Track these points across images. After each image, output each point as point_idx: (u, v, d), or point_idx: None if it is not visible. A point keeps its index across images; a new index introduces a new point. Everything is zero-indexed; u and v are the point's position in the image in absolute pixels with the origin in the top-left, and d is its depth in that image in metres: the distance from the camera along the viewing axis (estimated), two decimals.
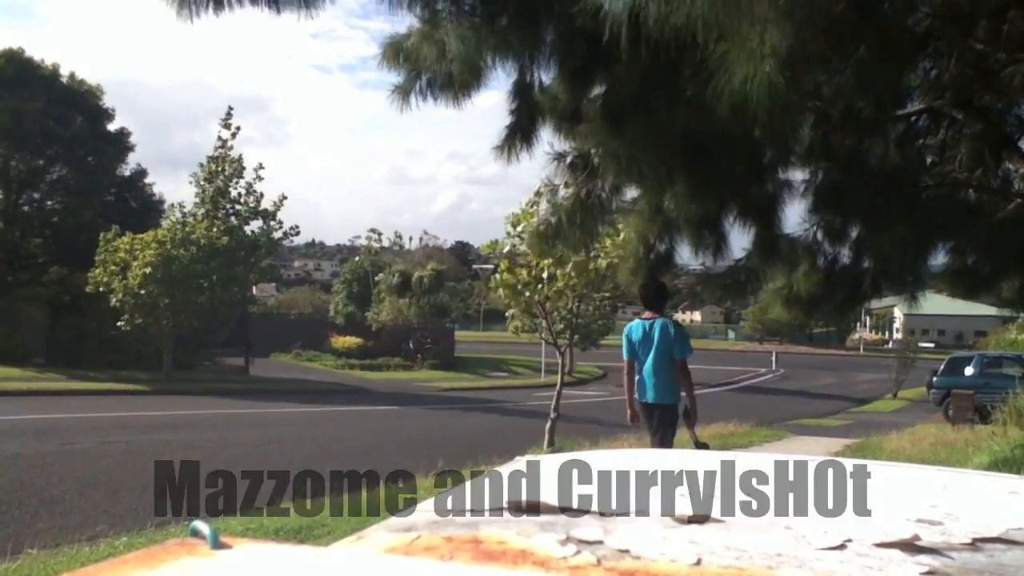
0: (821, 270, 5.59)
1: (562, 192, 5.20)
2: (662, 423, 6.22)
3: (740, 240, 5.51)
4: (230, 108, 22.12)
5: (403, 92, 4.39)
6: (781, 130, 4.20)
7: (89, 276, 20.63)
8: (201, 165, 22.11)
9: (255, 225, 22.34)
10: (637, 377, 6.27)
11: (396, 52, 4.28)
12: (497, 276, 11.49)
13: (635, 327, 6.27)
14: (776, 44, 2.49)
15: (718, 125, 3.36)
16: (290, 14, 3.90)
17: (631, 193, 5.15)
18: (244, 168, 21.95)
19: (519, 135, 4.81)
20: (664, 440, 6.15)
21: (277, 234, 22.66)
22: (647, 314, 6.28)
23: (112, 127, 27.15)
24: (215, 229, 21.02)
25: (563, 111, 4.72)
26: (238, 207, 22.05)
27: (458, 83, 4.19)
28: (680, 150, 4.23)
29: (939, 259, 5.53)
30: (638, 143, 4.17)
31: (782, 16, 2.47)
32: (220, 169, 21.78)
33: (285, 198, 22.54)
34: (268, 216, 22.28)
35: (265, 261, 23.17)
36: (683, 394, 6.24)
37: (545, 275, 10.75)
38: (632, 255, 5.85)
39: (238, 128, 21.87)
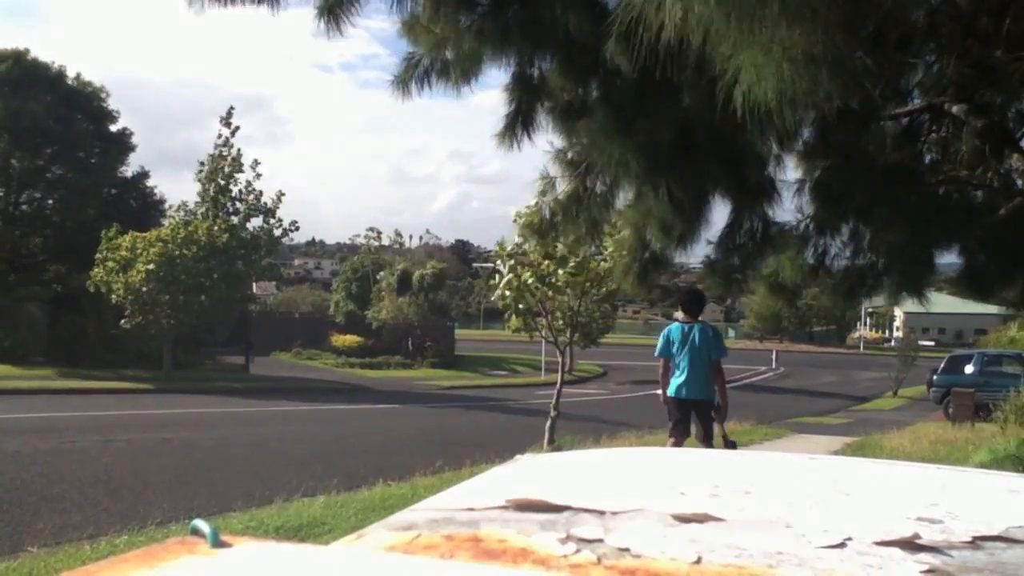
0: (812, 263, 5.61)
1: (559, 187, 5.20)
2: (702, 417, 6.82)
3: (713, 235, 5.52)
4: (231, 108, 22.16)
5: (402, 82, 4.49)
6: (786, 130, 4.21)
7: (90, 274, 20.65)
8: (202, 163, 22.13)
9: (255, 223, 22.38)
10: (676, 376, 6.81)
11: (411, 28, 4.39)
12: (495, 281, 11.54)
13: (675, 330, 6.89)
14: (791, 46, 2.48)
15: (716, 125, 3.37)
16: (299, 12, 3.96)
17: (629, 189, 5.14)
18: (242, 165, 21.96)
19: (520, 123, 4.82)
20: (707, 431, 6.80)
21: (277, 231, 22.67)
22: (684, 318, 6.94)
23: (114, 128, 27.17)
24: (216, 228, 21.04)
25: (562, 107, 4.72)
26: (238, 204, 22.06)
27: (459, 72, 4.27)
28: (673, 148, 4.23)
29: (943, 259, 5.53)
30: (633, 141, 4.18)
31: (794, 18, 2.45)
32: (220, 168, 21.79)
33: (283, 194, 22.56)
34: (268, 213, 22.29)
35: (265, 260, 23.18)
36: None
37: (548, 278, 10.78)
38: (628, 252, 5.85)
39: (237, 127, 21.91)
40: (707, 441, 6.80)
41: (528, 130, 4.85)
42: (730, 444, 6.86)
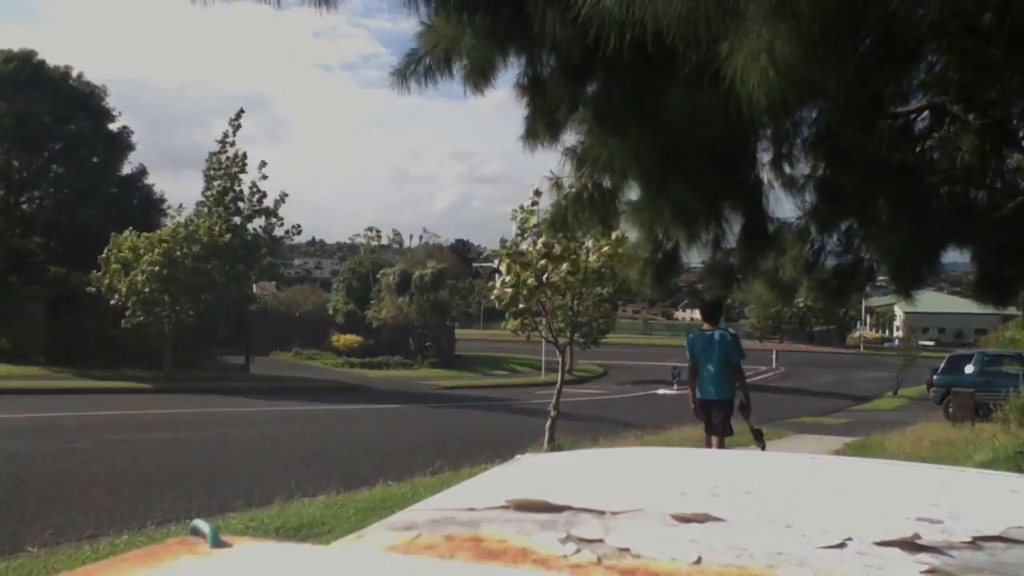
0: (808, 260, 5.63)
1: (566, 185, 5.20)
2: (721, 414, 7.44)
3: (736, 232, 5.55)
4: (241, 110, 22.23)
5: (400, 76, 4.52)
6: (778, 128, 4.22)
7: (92, 274, 20.67)
8: (211, 153, 22.12)
9: (257, 223, 22.37)
10: (701, 379, 7.47)
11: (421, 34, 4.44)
12: (492, 283, 11.57)
13: (698, 338, 7.59)
14: (773, 44, 2.48)
15: (711, 125, 3.37)
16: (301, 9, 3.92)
17: (636, 190, 5.14)
18: (246, 165, 21.97)
19: (539, 124, 4.82)
20: (725, 425, 7.42)
21: (279, 232, 22.68)
22: (706, 326, 7.64)
23: (114, 127, 27.17)
24: (217, 227, 21.04)
25: (567, 107, 4.71)
26: (239, 204, 22.06)
27: (466, 71, 4.30)
28: (672, 148, 4.23)
29: (946, 259, 5.55)
30: (630, 141, 4.17)
31: (776, 15, 2.45)
32: (225, 167, 21.79)
33: (286, 195, 22.55)
34: (270, 214, 22.30)
35: (266, 260, 23.19)
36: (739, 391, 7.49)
37: (545, 276, 10.77)
38: (640, 254, 5.85)
39: (239, 125, 21.90)
40: (722, 436, 7.40)
41: (550, 131, 4.84)
42: (757, 432, 7.65)
